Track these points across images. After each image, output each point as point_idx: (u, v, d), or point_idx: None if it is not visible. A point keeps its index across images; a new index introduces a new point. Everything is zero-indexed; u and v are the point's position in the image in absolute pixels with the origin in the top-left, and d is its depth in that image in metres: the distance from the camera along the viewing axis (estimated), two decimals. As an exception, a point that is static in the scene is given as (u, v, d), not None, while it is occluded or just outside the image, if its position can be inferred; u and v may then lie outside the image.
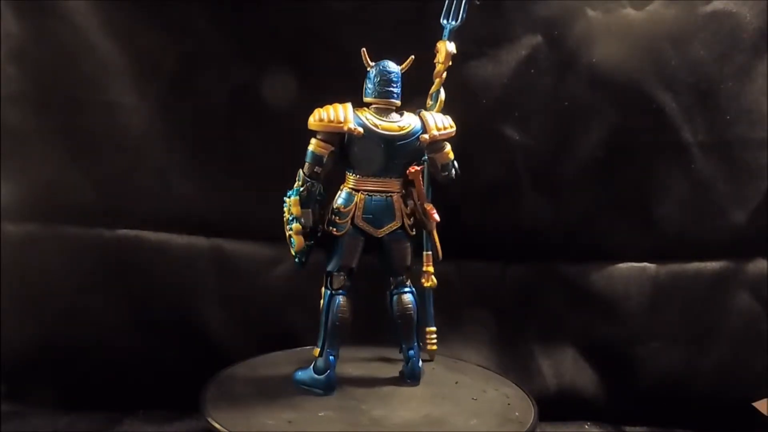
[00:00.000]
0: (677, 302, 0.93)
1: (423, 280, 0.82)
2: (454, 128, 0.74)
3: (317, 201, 0.72)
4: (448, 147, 0.74)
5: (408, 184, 0.75)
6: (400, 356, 0.77)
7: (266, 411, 0.67)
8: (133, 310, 0.93)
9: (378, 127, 0.71)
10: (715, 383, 0.92)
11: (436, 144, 0.73)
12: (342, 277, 0.73)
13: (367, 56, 0.73)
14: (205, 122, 0.92)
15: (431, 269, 0.83)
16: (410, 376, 0.76)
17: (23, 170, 0.91)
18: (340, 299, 0.72)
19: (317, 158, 0.71)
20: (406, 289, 0.76)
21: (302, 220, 0.70)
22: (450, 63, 0.78)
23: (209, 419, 0.66)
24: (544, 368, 0.95)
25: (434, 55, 0.79)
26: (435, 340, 0.84)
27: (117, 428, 0.88)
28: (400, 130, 0.72)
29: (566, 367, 0.95)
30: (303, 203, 0.70)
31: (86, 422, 0.89)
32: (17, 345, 0.92)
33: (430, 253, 0.82)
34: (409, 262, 0.75)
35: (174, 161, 0.93)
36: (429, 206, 0.75)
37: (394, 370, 0.78)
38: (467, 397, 0.74)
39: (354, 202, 0.73)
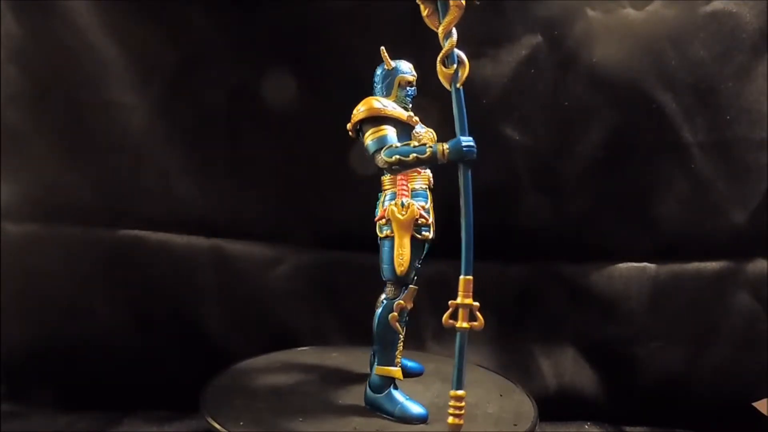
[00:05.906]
0: (677, 302, 0.93)
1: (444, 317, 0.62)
2: (360, 110, 0.69)
3: None
4: (367, 132, 0.68)
5: None
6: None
7: (266, 411, 0.68)
8: (134, 310, 0.93)
9: None
10: (715, 383, 0.92)
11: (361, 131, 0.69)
12: None
13: (387, 57, 0.72)
14: (205, 122, 0.92)
15: (462, 300, 0.62)
16: None
17: (23, 170, 0.92)
18: None
19: None
20: (382, 300, 0.69)
21: None
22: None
23: (209, 419, 0.66)
24: (544, 368, 0.95)
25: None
26: (460, 412, 0.61)
27: (117, 428, 0.88)
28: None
29: (566, 367, 0.95)
30: None
31: (86, 422, 0.89)
32: (17, 345, 0.92)
33: (468, 277, 0.63)
34: (384, 265, 0.68)
35: (174, 161, 0.93)
36: (394, 201, 0.68)
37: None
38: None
39: None
